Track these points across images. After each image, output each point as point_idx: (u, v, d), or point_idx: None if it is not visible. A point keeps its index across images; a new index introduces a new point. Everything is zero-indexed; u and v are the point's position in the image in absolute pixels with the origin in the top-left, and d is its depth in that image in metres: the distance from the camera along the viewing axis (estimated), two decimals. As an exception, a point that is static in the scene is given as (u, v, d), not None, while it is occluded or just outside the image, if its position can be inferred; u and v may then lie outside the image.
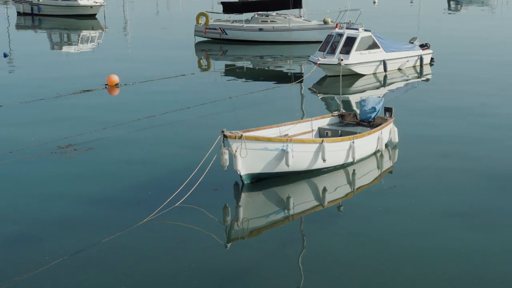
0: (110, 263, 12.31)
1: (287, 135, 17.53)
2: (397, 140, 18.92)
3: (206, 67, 36.54)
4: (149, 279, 11.71)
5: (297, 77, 30.74)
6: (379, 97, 20.43)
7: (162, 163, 17.78)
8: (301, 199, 15.89)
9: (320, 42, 36.10)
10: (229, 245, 13.20)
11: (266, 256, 12.65)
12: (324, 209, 15.09)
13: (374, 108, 18.92)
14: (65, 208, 14.78)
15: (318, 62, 29.62)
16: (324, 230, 13.87)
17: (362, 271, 11.95)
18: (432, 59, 33.64)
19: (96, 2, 59.12)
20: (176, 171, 16.77)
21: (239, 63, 35.72)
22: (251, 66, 35.13)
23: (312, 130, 18.69)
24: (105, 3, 60.15)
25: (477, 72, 31.75)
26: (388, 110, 19.17)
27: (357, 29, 30.92)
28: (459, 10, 67.72)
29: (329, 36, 31.14)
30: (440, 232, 13.55)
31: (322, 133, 18.68)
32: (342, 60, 24.28)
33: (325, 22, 41.63)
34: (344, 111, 21.29)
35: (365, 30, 30.76)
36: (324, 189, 16.22)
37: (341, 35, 30.51)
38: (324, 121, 19.10)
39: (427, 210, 14.62)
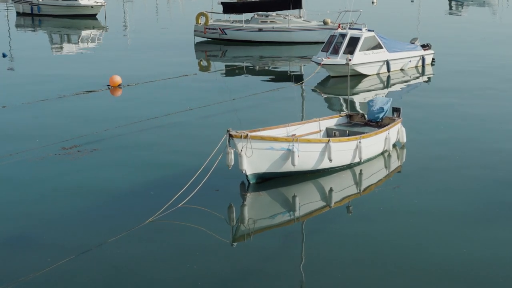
0: (114, 263, 12.23)
1: (294, 135, 17.39)
2: (405, 140, 18.79)
3: (208, 67, 36.42)
4: (153, 279, 11.62)
5: (299, 78, 30.59)
6: (387, 97, 20.31)
7: (166, 164, 17.66)
8: (307, 199, 15.80)
9: (320, 42, 36.08)
10: (234, 244, 13.16)
11: (272, 256, 12.57)
12: (330, 209, 15.00)
13: (382, 109, 18.82)
14: (69, 209, 14.68)
15: (323, 63, 29.43)
16: (330, 230, 13.78)
17: (369, 271, 11.86)
18: (433, 59, 33.54)
19: (97, 2, 58.88)
20: (181, 172, 16.64)
21: (240, 64, 35.57)
22: (252, 66, 34.99)
23: (320, 131, 18.56)
24: (105, 3, 59.98)
25: (478, 71, 31.67)
26: (396, 110, 19.05)
27: (360, 29, 30.74)
28: (460, 11, 67.67)
29: (332, 36, 30.95)
30: (446, 233, 13.45)
31: (329, 133, 18.55)
32: (350, 60, 24.08)
33: (325, 23, 41.49)
34: (351, 111, 21.20)
35: (368, 30, 30.59)
36: (331, 189, 16.13)
37: (344, 35, 30.30)
38: (331, 122, 18.98)
39: (434, 210, 14.53)
